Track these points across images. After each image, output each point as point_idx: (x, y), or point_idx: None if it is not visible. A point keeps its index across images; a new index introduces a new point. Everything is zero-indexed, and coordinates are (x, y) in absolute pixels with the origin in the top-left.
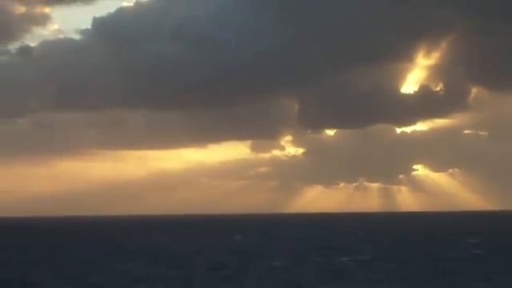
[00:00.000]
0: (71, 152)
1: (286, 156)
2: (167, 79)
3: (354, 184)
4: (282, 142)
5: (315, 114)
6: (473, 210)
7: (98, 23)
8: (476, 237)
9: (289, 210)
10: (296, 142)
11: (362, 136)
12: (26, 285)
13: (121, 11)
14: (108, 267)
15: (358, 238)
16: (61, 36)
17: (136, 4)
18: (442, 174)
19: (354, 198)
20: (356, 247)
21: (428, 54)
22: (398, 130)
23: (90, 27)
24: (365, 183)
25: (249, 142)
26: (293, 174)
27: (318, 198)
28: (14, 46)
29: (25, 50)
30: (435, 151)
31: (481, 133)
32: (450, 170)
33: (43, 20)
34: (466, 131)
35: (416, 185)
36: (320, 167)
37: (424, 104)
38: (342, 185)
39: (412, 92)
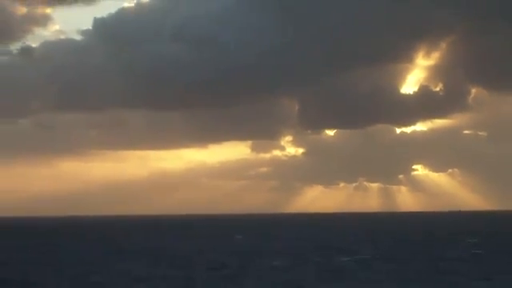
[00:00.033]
0: (72, 152)
1: (286, 156)
2: (168, 79)
3: (354, 184)
4: (283, 142)
5: (315, 115)
6: (472, 210)
7: (99, 24)
8: (475, 237)
9: (289, 210)
10: (296, 142)
11: (362, 136)
12: (27, 285)
13: (122, 12)
14: (108, 267)
15: (357, 237)
16: (62, 37)
17: (137, 5)
18: (441, 174)
19: (354, 198)
20: (356, 247)
21: (428, 54)
22: (398, 131)
23: (91, 28)
24: (365, 183)
25: (249, 143)
26: (293, 174)
27: (318, 198)
28: (15, 47)
29: (26, 51)
30: (435, 151)
31: (480, 133)
32: (450, 170)
33: (44, 21)
34: (466, 131)
35: (416, 185)
36: (320, 167)
37: (424, 104)
38: (341, 185)
39: (412, 92)
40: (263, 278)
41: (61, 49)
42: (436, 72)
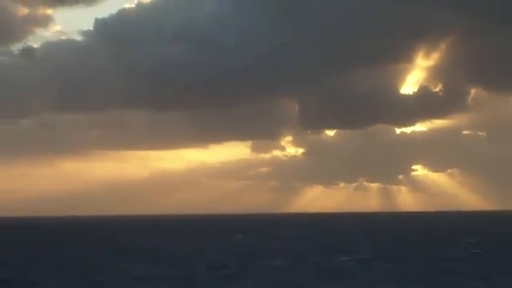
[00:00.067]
0: (73, 152)
1: (286, 156)
2: (169, 80)
3: (354, 184)
4: (283, 143)
5: (315, 115)
6: (472, 210)
7: (100, 24)
8: (475, 236)
9: (289, 210)
10: (296, 143)
11: (362, 136)
12: (28, 284)
13: (123, 12)
14: (109, 267)
15: (357, 237)
16: (63, 37)
17: (138, 5)
18: (441, 174)
19: (354, 198)
20: (356, 247)
21: (427, 55)
22: (398, 131)
23: (92, 28)
24: (364, 183)
25: (249, 143)
26: (293, 174)
27: (318, 198)
28: (16, 47)
29: (27, 51)
30: (434, 151)
31: (479, 133)
32: (449, 170)
33: (46, 21)
34: (465, 132)
35: (415, 185)
36: (320, 167)
37: (423, 105)
38: (341, 185)
39: (411, 93)
40: (263, 278)
41: (62, 49)
42: (436, 72)
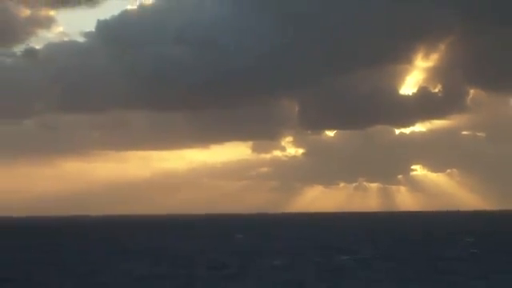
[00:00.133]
0: (76, 153)
1: (286, 156)
2: (170, 81)
3: (354, 184)
4: (283, 143)
5: (315, 115)
6: (471, 210)
7: (102, 26)
8: (473, 236)
9: (289, 210)
10: (296, 143)
11: (362, 137)
12: (31, 284)
13: (125, 14)
14: (111, 267)
15: (357, 237)
16: (65, 39)
17: (140, 7)
18: (440, 174)
19: (354, 198)
20: (356, 247)
21: (427, 56)
22: (397, 131)
23: (94, 30)
24: (364, 183)
25: (250, 143)
26: (293, 175)
27: (318, 198)
28: (19, 49)
29: (30, 53)
30: (433, 152)
31: (478, 134)
32: (448, 171)
33: (48, 23)
34: (464, 132)
35: (415, 185)
36: (320, 167)
37: (422, 105)
38: (341, 185)
39: (411, 93)
40: (264, 278)
41: (64, 51)
42: (435, 73)
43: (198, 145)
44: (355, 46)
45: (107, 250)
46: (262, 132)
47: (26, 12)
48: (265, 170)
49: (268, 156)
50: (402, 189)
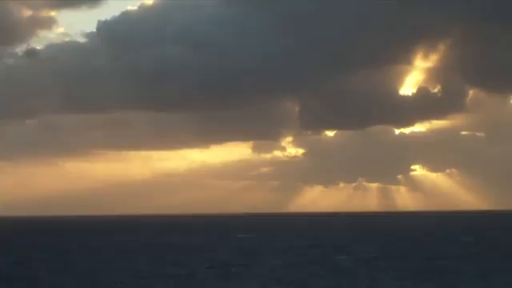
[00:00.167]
0: (77, 153)
1: (286, 157)
2: (171, 82)
3: (354, 184)
4: (283, 143)
5: (315, 116)
6: (470, 210)
7: (103, 26)
8: (472, 236)
9: (289, 210)
10: (297, 143)
11: (362, 137)
12: (33, 282)
13: (125, 15)
14: (112, 265)
15: (357, 236)
16: (66, 39)
17: (140, 8)
18: (439, 174)
19: (354, 198)
20: (355, 246)
21: (426, 56)
22: (397, 131)
23: (95, 30)
24: (364, 183)
25: (250, 143)
26: (293, 175)
27: (318, 198)
28: (20, 49)
29: (31, 53)
30: (433, 152)
31: (478, 134)
32: (448, 171)
33: (49, 23)
34: (463, 132)
35: (414, 185)
36: (320, 167)
37: (422, 106)
38: (341, 185)
39: (410, 94)
40: (264, 277)
41: (65, 51)
42: (434, 74)
43: (199, 145)
44: (355, 46)
45: (108, 249)
46: (263, 132)
47: (27, 12)
48: (265, 170)
49: (268, 156)
50: (402, 189)
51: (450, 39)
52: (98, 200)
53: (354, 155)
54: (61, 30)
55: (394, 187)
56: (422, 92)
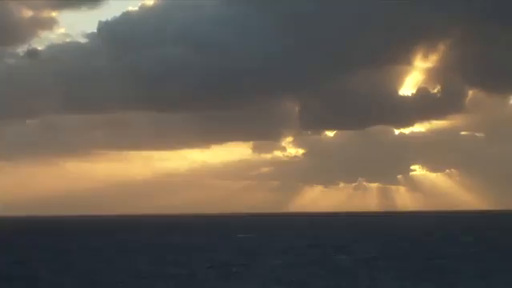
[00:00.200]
0: (78, 153)
1: (287, 157)
2: (171, 82)
3: (354, 184)
4: (283, 143)
5: (315, 116)
6: (469, 210)
7: (104, 27)
8: (472, 235)
9: (290, 210)
10: (297, 143)
11: (362, 137)
12: (33, 281)
13: (126, 15)
14: (113, 265)
15: (357, 236)
16: (67, 39)
17: (141, 8)
18: (439, 174)
19: (354, 198)
20: (355, 246)
21: (426, 56)
22: (397, 132)
23: (95, 31)
24: (364, 183)
25: (251, 143)
26: (294, 175)
27: (318, 198)
28: (21, 49)
29: (32, 53)
30: (433, 152)
31: (477, 134)
32: (447, 171)
33: (50, 24)
34: (463, 132)
35: (414, 185)
36: (320, 168)
37: (422, 106)
38: (341, 185)
39: (410, 94)
40: (264, 277)
41: (66, 51)
42: (434, 74)
43: (199, 145)
44: (355, 46)
45: (109, 249)
46: (263, 132)
47: (28, 13)
48: (265, 170)
49: (268, 156)
50: (402, 189)
51: (449, 39)
52: (99, 200)
53: (353, 155)
54: (62, 30)
55: (393, 187)
56: (422, 92)
